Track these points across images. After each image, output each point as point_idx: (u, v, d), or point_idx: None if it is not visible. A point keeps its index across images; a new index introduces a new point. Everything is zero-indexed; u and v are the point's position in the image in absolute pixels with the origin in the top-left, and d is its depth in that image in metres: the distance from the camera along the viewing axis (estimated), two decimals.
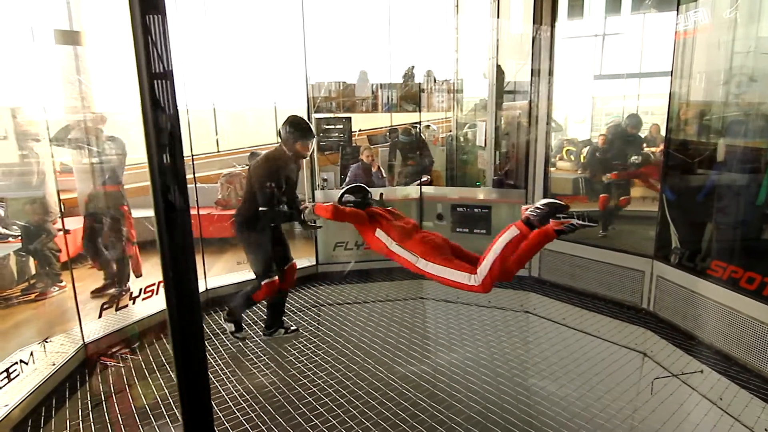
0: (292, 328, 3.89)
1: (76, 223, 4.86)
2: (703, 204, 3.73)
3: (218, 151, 7.25)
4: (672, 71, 3.67)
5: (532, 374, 3.29)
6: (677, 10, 3.62)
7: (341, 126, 6.40)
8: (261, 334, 3.84)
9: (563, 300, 4.42)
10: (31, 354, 2.91)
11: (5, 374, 2.66)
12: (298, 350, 3.59)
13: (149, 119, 0.83)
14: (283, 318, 3.92)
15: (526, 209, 2.65)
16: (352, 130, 6.70)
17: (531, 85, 4.53)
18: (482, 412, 2.82)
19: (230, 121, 7.25)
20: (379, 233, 3.09)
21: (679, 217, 3.79)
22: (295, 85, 5.67)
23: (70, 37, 5.37)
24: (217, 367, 3.36)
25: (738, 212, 3.54)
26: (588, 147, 5.84)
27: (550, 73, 4.40)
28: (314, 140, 3.51)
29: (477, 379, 3.17)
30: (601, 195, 4.97)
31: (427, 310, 4.43)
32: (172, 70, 0.85)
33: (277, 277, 3.51)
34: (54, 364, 3.04)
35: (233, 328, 3.69)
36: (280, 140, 3.43)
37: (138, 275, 4.51)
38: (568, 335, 3.89)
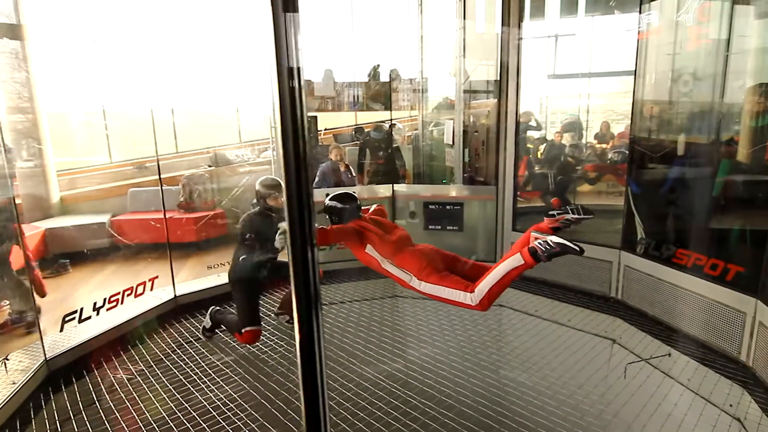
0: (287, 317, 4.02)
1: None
2: (666, 196, 3.93)
3: (177, 152, 6.97)
4: (635, 70, 3.84)
5: (512, 366, 3.36)
6: (639, 11, 3.79)
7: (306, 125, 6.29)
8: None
9: (535, 292, 4.54)
10: None
11: None
12: (279, 354, 3.50)
13: (287, 115, 0.81)
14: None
15: (536, 239, 2.44)
16: (318, 129, 6.64)
17: (500, 83, 4.62)
18: (471, 405, 2.85)
19: (190, 121, 6.98)
20: (370, 250, 2.93)
21: (643, 209, 3.97)
22: (259, 84, 5.54)
23: (13, 31, 5.01)
24: (195, 376, 3.21)
25: (697, 203, 3.76)
26: (545, 144, 6.06)
27: (518, 71, 4.50)
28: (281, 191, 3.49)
29: (462, 373, 3.20)
30: (553, 199, 5.11)
31: (403, 308, 4.43)
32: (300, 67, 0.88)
33: (260, 328, 3.51)
34: (15, 383, 2.80)
35: (208, 326, 3.73)
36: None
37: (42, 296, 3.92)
38: (542, 326, 3.99)
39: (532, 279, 4.76)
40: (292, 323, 3.35)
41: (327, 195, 5.01)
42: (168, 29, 4.98)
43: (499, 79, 4.67)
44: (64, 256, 5.12)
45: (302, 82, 0.87)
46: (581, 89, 6.73)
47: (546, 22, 6.05)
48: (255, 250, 3.42)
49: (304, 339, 0.93)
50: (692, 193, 3.87)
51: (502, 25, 4.51)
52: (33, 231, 4.85)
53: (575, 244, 2.36)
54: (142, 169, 6.90)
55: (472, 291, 2.49)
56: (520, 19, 4.44)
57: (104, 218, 5.67)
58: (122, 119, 6.53)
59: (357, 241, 2.94)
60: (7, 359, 2.87)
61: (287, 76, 0.86)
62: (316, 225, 2.93)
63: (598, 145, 7.17)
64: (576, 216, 2.54)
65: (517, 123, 4.61)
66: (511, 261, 2.44)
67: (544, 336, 3.83)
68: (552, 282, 4.63)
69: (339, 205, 3.17)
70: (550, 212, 2.59)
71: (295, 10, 0.77)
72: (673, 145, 4.09)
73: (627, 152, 4.23)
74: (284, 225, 3.21)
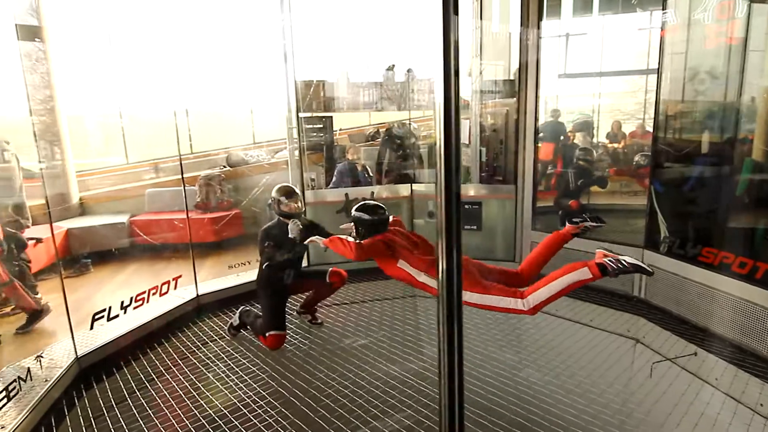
0: (320, 320, 4.03)
1: (42, 232, 4.58)
2: (690, 194, 3.91)
3: (191, 153, 7.02)
4: (659, 69, 3.82)
5: (537, 365, 3.35)
6: (663, 7, 3.78)
7: (321, 126, 6.32)
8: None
9: None
10: (28, 371, 2.70)
11: (5, 393, 2.45)
12: (304, 352, 3.51)
13: (452, 116, 0.84)
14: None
15: (605, 255, 2.55)
16: (334, 129, 6.65)
17: (518, 82, 4.61)
18: (487, 406, 2.83)
19: (204, 123, 7.02)
20: (402, 264, 2.91)
21: (666, 207, 3.95)
22: (275, 84, 5.56)
23: (34, 33, 5.07)
24: (223, 374, 3.23)
25: (722, 201, 3.73)
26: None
27: (537, 70, 4.50)
28: (298, 198, 3.71)
29: (478, 373, 3.19)
30: (571, 201, 5.10)
31: (421, 308, 4.43)
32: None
33: (284, 333, 3.57)
34: (47, 381, 2.83)
35: (235, 323, 3.78)
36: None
37: None
38: (565, 326, 3.98)
39: None
40: (314, 323, 3.41)
41: (346, 195, 5.06)
42: (181, 30, 5.00)
43: (518, 78, 4.67)
44: (86, 256, 5.18)
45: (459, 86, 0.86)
46: (591, 89, 6.74)
47: (559, 22, 6.07)
48: (276, 256, 3.54)
49: (445, 342, 0.92)
50: (716, 192, 3.85)
51: (521, 24, 4.51)
52: (55, 231, 4.89)
53: (648, 266, 2.50)
54: (157, 170, 6.97)
55: (523, 297, 2.52)
56: (540, 17, 4.43)
57: (123, 218, 5.73)
58: (137, 121, 6.61)
59: (388, 255, 2.91)
60: (42, 356, 2.90)
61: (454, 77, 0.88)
62: (349, 237, 2.94)
63: (609, 145, 7.16)
64: (594, 224, 2.78)
65: (536, 121, 4.60)
66: (577, 274, 2.48)
67: (567, 336, 3.82)
68: None
69: (367, 217, 3.10)
70: (573, 219, 2.76)
71: (457, 12, 0.78)
72: (695, 144, 4.07)
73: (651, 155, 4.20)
74: (297, 221, 3.24)
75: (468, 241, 5.04)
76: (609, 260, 2.45)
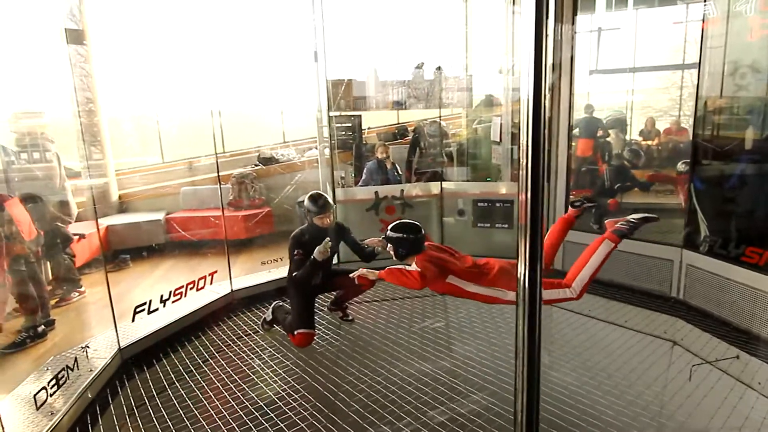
0: (351, 316, 4.06)
1: (85, 228, 4.76)
2: (733, 192, 3.78)
3: (224, 152, 7.17)
4: (699, 62, 3.71)
5: (571, 366, 3.29)
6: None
7: (350, 124, 6.36)
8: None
9: (590, 291, 4.41)
10: (75, 360, 2.82)
11: (55, 381, 2.57)
12: (337, 348, 3.55)
13: (540, 116, 0.84)
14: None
15: (615, 222, 2.88)
16: (362, 127, 6.68)
17: (552, 79, 4.54)
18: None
19: (236, 122, 7.16)
20: (452, 279, 2.98)
21: (708, 206, 3.83)
22: (305, 84, 5.62)
23: (79, 36, 5.26)
24: (258, 367, 3.30)
25: (765, 200, 3.60)
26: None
27: (572, 67, 4.42)
28: (330, 213, 3.62)
29: (511, 372, 3.16)
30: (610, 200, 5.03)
31: (450, 306, 4.41)
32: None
33: (313, 331, 3.56)
34: (91, 371, 2.95)
35: (269, 318, 3.84)
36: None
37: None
38: (599, 327, 3.90)
39: None
40: (346, 320, 3.41)
41: (376, 193, 5.08)
42: (214, 32, 5.11)
43: (551, 74, 4.59)
44: (124, 251, 5.37)
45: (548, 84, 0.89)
46: (623, 85, 6.57)
47: (592, 16, 5.93)
48: (305, 265, 3.47)
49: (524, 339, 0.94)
50: (759, 190, 3.71)
51: (555, 19, 4.43)
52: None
53: (653, 216, 2.94)
54: (191, 168, 7.15)
55: (569, 286, 2.84)
56: (575, 12, 4.36)
57: (160, 215, 5.90)
58: (173, 121, 6.79)
59: (441, 276, 2.97)
60: (88, 347, 3.02)
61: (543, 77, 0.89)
62: (407, 267, 2.98)
63: (643, 142, 6.97)
64: (590, 204, 3.34)
65: (570, 119, 4.53)
66: (604, 248, 2.81)
67: (602, 337, 3.74)
68: (607, 281, 4.51)
69: (405, 236, 3.12)
70: (574, 203, 3.28)
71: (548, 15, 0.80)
72: (737, 141, 3.93)
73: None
74: (328, 240, 3.27)
75: (500, 239, 5.00)
76: (621, 224, 2.81)
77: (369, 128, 7.17)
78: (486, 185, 5.18)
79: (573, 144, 5.61)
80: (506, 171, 5.52)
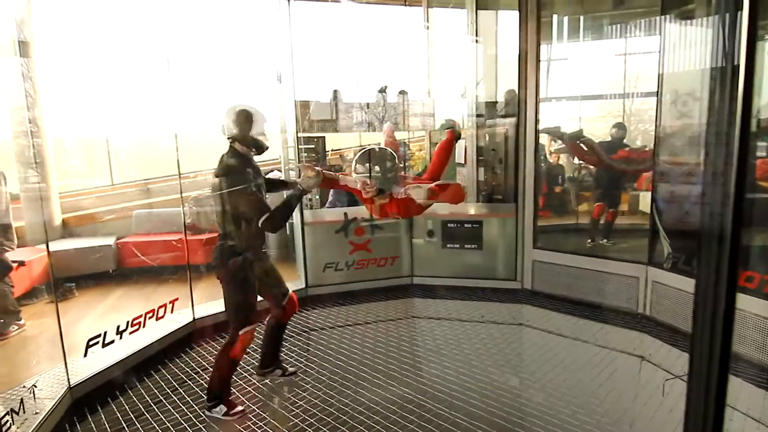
0: (290, 370, 3.40)
1: (24, 254, 4.35)
2: (693, 211, 3.97)
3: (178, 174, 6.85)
4: (658, 91, 3.93)
5: (533, 387, 3.27)
6: (660, 33, 3.90)
7: (313, 146, 6.27)
8: (254, 373, 3.40)
9: (559, 310, 4.49)
10: (21, 402, 2.48)
11: None
12: (297, 376, 3.36)
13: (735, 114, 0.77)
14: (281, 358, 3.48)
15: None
16: (326, 149, 6.60)
17: (519, 102, 4.67)
18: (491, 427, 2.74)
19: (195, 143, 6.89)
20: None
21: (670, 224, 4.00)
22: (268, 105, 5.49)
23: (25, 49, 4.91)
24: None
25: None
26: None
27: (537, 90, 4.57)
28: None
29: (479, 395, 3.09)
30: (596, 204, 5.22)
31: (420, 329, 4.34)
32: None
33: (256, 325, 2.94)
34: (37, 413, 2.62)
35: (220, 410, 2.89)
36: (231, 139, 2.83)
37: None
38: (565, 344, 3.93)
39: (550, 296, 4.72)
40: (289, 375, 3.14)
41: (345, 214, 4.96)
42: (175, 50, 4.91)
43: (516, 98, 4.74)
44: (69, 279, 4.93)
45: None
46: (570, 113, 6.94)
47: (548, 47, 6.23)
48: (264, 202, 2.86)
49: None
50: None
51: (520, 45, 4.59)
52: (38, 254, 4.65)
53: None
54: (144, 191, 6.77)
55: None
56: (538, 40, 4.53)
57: (109, 240, 5.49)
58: (124, 142, 6.45)
59: None
60: (36, 386, 2.68)
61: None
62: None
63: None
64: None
65: (537, 141, 4.66)
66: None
67: (568, 354, 3.77)
68: (576, 300, 4.58)
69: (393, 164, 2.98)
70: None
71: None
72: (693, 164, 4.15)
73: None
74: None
75: (469, 259, 5.00)
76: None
77: (333, 150, 7.10)
78: (454, 206, 5.19)
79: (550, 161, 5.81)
80: (473, 191, 5.57)
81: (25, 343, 3.73)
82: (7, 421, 2.34)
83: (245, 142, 2.82)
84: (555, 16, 5.82)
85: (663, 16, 4.08)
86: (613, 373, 3.45)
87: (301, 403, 3.03)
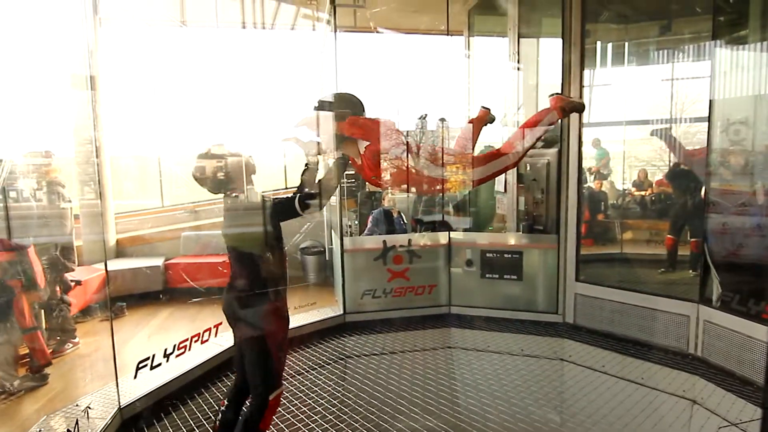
0: None
1: (83, 274, 4.60)
2: (748, 247, 3.78)
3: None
4: (709, 117, 3.81)
5: (574, 425, 3.15)
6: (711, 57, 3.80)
7: (353, 171, 6.39)
8: None
9: (602, 346, 4.33)
10: (77, 423, 2.62)
11: None
12: (334, 405, 3.37)
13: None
14: None
15: (561, 98, 2.82)
16: None
17: (560, 131, 4.62)
18: None
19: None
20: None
21: (721, 260, 3.83)
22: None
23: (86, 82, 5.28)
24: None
25: None
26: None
27: (580, 119, 4.51)
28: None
29: (519, 428, 3.02)
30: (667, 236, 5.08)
31: (457, 360, 4.28)
32: None
33: (283, 388, 2.51)
34: None
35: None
36: None
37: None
38: (610, 383, 3.78)
39: (593, 331, 4.56)
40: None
41: (384, 242, 5.01)
42: (222, 77, 5.15)
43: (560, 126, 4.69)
44: (121, 299, 5.17)
45: None
46: (613, 136, 6.80)
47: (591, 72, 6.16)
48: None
49: None
50: None
51: (563, 73, 4.57)
52: (93, 274, 4.92)
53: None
54: (193, 213, 7.06)
55: (509, 152, 2.63)
56: (582, 67, 4.49)
57: (158, 261, 5.75)
58: (176, 164, 6.75)
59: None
60: (89, 407, 2.82)
61: None
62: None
63: (636, 193, 7.12)
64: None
65: (579, 170, 4.58)
66: (547, 119, 2.72)
67: (614, 394, 3.62)
68: (620, 336, 4.41)
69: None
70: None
71: None
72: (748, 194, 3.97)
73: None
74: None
75: (509, 290, 4.92)
76: (565, 103, 2.78)
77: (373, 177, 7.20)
78: (493, 236, 5.15)
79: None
80: (512, 221, 5.52)
81: (78, 361, 3.93)
82: None
83: None
84: (599, 43, 5.79)
85: (714, 42, 3.98)
86: (663, 416, 3.29)
87: (341, 426, 3.04)
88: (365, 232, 5.53)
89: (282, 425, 3.14)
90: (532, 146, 2.67)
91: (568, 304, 4.72)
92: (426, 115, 6.78)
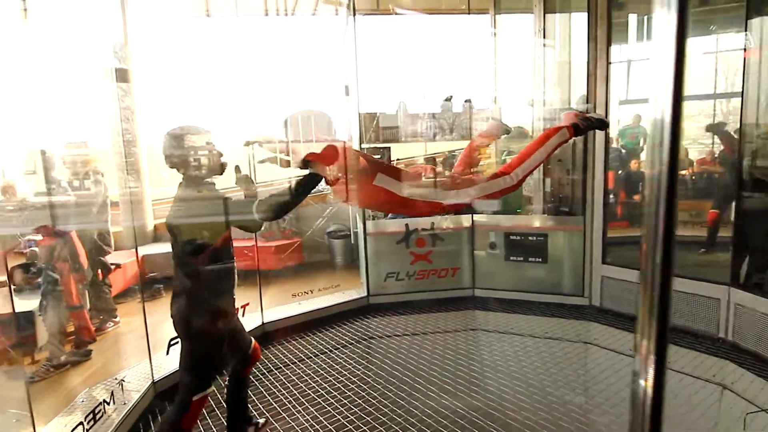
0: (260, 422, 2.95)
1: (120, 257, 4.86)
2: None
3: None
4: (742, 91, 3.61)
5: (602, 409, 3.12)
6: (745, 29, 3.59)
7: (379, 156, 6.43)
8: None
9: (629, 330, 4.24)
10: (112, 393, 2.83)
11: (92, 415, 2.59)
12: (354, 383, 3.48)
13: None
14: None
15: (575, 115, 2.68)
16: (391, 159, 6.74)
17: (587, 109, 4.49)
18: None
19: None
20: (382, 179, 2.41)
21: (755, 241, 3.67)
22: (338, 117, 5.71)
23: (122, 75, 5.51)
24: (287, 402, 3.25)
25: None
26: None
27: (607, 98, 4.37)
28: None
29: (545, 410, 3.04)
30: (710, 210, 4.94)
31: (480, 342, 4.30)
32: None
33: (211, 391, 2.47)
34: (125, 404, 2.96)
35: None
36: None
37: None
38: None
39: (620, 314, 4.48)
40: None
41: (406, 225, 5.05)
42: (250, 66, 5.26)
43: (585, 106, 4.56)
44: (158, 281, 5.45)
45: None
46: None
47: (624, 47, 5.91)
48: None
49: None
50: None
51: (589, 50, 4.42)
52: (133, 257, 5.19)
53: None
54: None
55: (508, 173, 2.50)
56: (609, 44, 4.33)
57: None
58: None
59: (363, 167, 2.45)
60: (124, 380, 3.04)
61: None
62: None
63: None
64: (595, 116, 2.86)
65: (606, 150, 4.45)
66: (557, 138, 2.56)
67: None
68: None
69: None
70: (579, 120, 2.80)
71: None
72: None
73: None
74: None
75: (533, 273, 4.88)
76: (580, 119, 2.63)
77: (398, 159, 7.22)
78: (517, 218, 5.09)
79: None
80: (538, 202, 5.43)
81: (118, 339, 4.20)
82: (101, 410, 2.68)
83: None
84: (630, 16, 5.53)
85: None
86: (689, 400, 3.22)
87: (356, 410, 3.15)
88: (389, 215, 5.58)
89: (303, 400, 3.28)
90: (538, 166, 2.57)
91: (595, 287, 4.64)
92: (451, 96, 6.70)
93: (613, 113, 4.96)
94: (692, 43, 5.90)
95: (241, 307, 4.10)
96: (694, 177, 6.52)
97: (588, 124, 2.63)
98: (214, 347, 2.39)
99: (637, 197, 6.49)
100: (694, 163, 6.58)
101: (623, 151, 6.62)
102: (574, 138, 2.66)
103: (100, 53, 4.57)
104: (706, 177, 6.22)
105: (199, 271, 2.32)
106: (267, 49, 5.83)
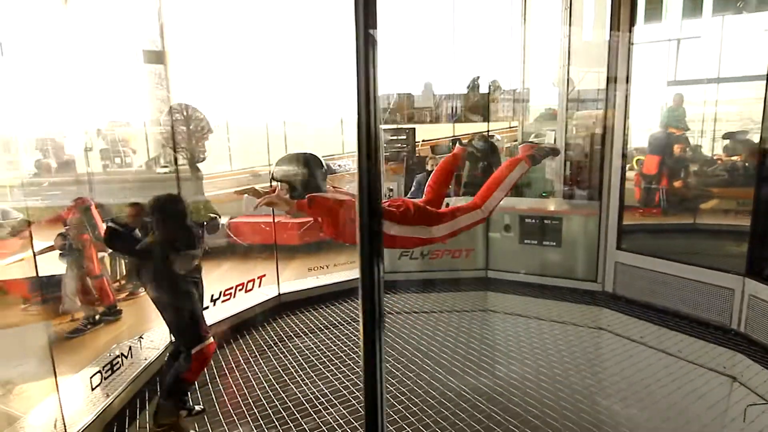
0: (196, 408, 2.95)
1: None
2: None
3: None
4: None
5: (611, 394, 3.15)
6: None
7: (404, 137, 6.50)
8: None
9: (641, 317, 4.19)
10: (130, 349, 3.15)
11: (109, 366, 2.90)
12: (359, 356, 3.64)
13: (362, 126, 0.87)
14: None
15: (531, 147, 2.78)
16: (416, 140, 6.78)
17: (606, 92, 4.38)
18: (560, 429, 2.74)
19: (299, 133, 7.54)
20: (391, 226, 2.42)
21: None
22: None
23: (157, 57, 5.80)
24: (292, 369, 3.48)
25: None
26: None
27: (627, 80, 4.24)
28: None
29: (552, 395, 3.08)
30: None
31: (494, 323, 4.36)
32: None
33: (212, 339, 2.75)
34: (146, 359, 3.27)
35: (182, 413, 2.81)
36: None
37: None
38: (647, 354, 3.70)
39: (633, 301, 4.41)
40: (195, 413, 2.86)
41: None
42: (278, 45, 5.40)
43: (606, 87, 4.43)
44: None
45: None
46: (704, 96, 6.10)
47: (663, 25, 5.62)
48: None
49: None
50: None
51: (611, 30, 4.28)
52: None
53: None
54: (256, 176, 7.61)
55: (479, 206, 2.58)
56: (632, 23, 4.18)
57: (223, 220, 6.34)
58: (240, 131, 7.27)
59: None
60: (141, 337, 3.35)
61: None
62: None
63: (726, 158, 6.42)
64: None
65: (625, 133, 4.33)
66: (518, 170, 2.65)
67: (649, 365, 3.54)
68: (661, 307, 4.24)
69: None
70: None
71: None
72: None
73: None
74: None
75: (547, 257, 4.86)
76: (536, 151, 2.74)
77: (423, 141, 7.25)
78: (533, 201, 5.06)
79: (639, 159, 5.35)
80: (559, 186, 5.36)
81: (149, 302, 4.55)
82: (118, 362, 2.99)
83: None
84: None
85: None
86: (697, 391, 3.19)
87: (360, 384, 3.31)
88: (408, 195, 5.67)
89: (311, 372, 3.49)
90: (503, 198, 2.61)
91: (608, 273, 4.59)
92: (478, 77, 6.64)
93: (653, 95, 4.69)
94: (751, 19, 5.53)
95: (258, 278, 4.36)
96: (747, 163, 6.16)
97: (543, 153, 2.78)
98: (185, 299, 2.72)
99: (677, 184, 6.21)
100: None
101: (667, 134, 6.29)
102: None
103: (139, 36, 4.84)
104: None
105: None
106: (291, 23, 5.94)
